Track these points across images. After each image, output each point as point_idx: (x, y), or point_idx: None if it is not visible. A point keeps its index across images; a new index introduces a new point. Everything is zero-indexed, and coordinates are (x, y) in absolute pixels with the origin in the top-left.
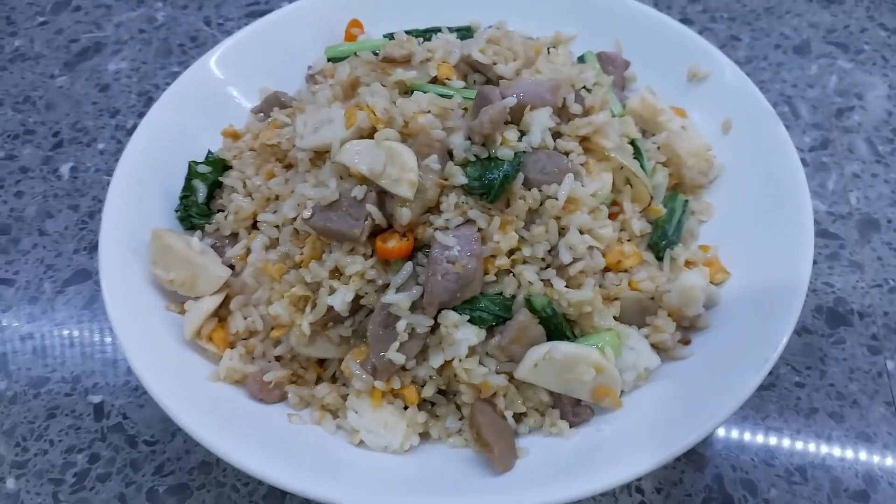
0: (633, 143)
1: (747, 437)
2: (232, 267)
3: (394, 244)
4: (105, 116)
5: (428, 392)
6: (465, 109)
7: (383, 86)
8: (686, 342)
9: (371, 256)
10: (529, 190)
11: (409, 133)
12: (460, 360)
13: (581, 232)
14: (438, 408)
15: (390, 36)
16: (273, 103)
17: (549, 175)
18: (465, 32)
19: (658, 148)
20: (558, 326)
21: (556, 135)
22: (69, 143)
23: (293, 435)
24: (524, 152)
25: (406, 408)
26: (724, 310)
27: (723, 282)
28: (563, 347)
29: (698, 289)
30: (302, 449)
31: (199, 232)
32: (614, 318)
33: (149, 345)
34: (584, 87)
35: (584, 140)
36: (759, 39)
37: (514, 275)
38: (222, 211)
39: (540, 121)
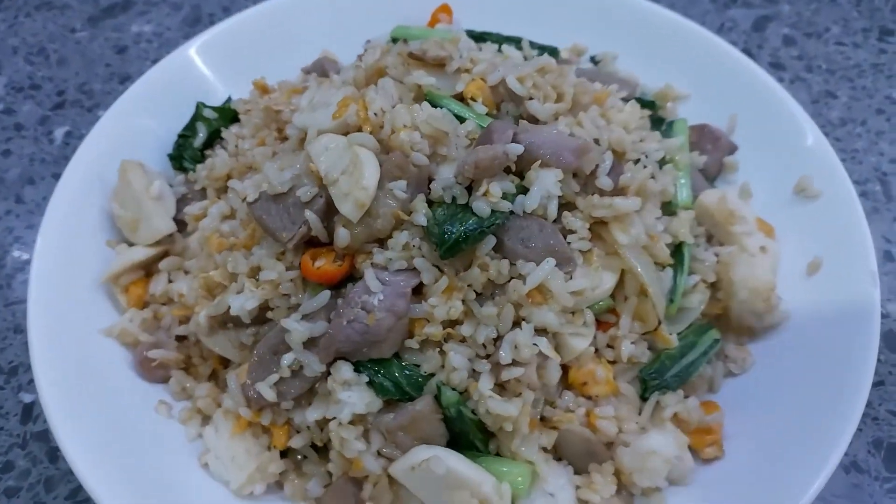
0: (679, 247)
1: None
2: (186, 224)
3: (322, 265)
4: (114, 81)
5: (298, 443)
6: (474, 140)
7: (401, 82)
8: None
9: (298, 268)
10: (502, 259)
11: (390, 146)
12: (340, 425)
13: (542, 331)
14: (307, 464)
15: (471, 33)
16: (319, 66)
17: (531, 250)
18: (549, 52)
19: (717, 261)
20: (464, 433)
21: (570, 205)
22: (71, 104)
23: (144, 426)
24: (511, 213)
25: (270, 448)
26: (692, 495)
27: (711, 460)
28: (449, 462)
29: (661, 460)
30: (138, 451)
31: (182, 176)
32: (546, 449)
33: (62, 329)
34: (638, 160)
35: (598, 223)
36: (860, 100)
37: (441, 351)
38: None
39: (544, 183)
